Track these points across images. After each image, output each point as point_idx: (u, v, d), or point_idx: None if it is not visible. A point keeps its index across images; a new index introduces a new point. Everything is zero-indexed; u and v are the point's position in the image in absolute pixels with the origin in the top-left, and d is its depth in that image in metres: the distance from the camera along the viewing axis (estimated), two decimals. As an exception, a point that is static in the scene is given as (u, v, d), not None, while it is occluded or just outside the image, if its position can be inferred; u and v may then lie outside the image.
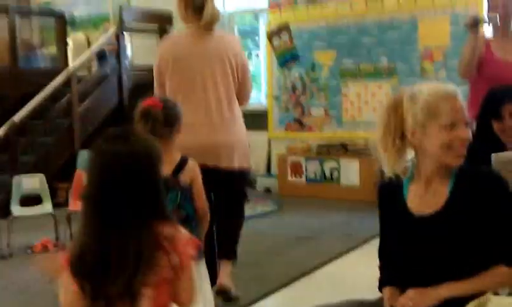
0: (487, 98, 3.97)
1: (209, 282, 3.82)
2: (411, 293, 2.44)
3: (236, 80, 4.64)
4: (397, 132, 2.55)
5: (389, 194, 2.67)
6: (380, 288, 2.70)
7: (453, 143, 2.42)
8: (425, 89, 2.49)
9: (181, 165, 3.56)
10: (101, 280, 1.99)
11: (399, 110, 2.54)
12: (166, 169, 3.22)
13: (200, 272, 3.47)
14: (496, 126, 3.79)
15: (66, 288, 2.05)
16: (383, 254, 2.77)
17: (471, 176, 2.49)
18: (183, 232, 2.16)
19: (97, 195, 2.03)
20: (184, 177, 3.55)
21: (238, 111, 4.71)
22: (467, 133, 2.45)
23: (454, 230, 2.43)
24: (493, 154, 3.33)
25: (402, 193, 2.61)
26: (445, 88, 2.47)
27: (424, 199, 2.54)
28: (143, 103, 3.54)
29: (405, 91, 2.56)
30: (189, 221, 3.50)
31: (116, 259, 1.99)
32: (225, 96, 4.57)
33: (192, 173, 3.62)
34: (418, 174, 2.58)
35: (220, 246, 4.61)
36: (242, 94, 4.75)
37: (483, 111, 3.89)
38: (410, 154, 2.60)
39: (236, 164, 4.59)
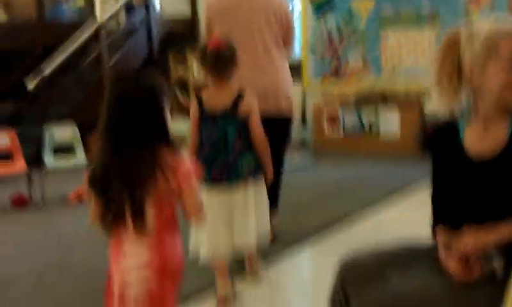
0: None
1: (268, 207, 4.03)
2: (468, 231, 2.31)
3: (281, 28, 4.82)
4: (454, 70, 2.41)
5: (444, 137, 2.55)
6: (432, 231, 2.59)
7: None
8: (485, 26, 2.34)
9: (239, 97, 3.78)
10: (111, 191, 2.40)
11: (456, 48, 2.40)
12: (226, 102, 3.73)
13: (260, 193, 3.92)
14: None
15: (90, 200, 2.46)
16: (436, 199, 2.64)
17: None
18: (185, 159, 2.48)
19: (109, 122, 2.42)
20: (242, 109, 3.77)
21: (284, 58, 4.86)
22: None
23: None
24: None
25: (458, 136, 2.49)
26: (507, 26, 2.33)
27: (482, 141, 2.40)
28: (210, 45, 3.81)
29: (463, 28, 2.42)
30: (249, 150, 3.83)
31: (122, 174, 2.39)
32: (271, 43, 4.75)
33: (249, 105, 3.81)
34: (476, 116, 2.44)
35: None
36: (287, 42, 4.92)
37: None
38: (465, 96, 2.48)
39: (283, 108, 4.66)
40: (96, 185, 2.43)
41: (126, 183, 2.39)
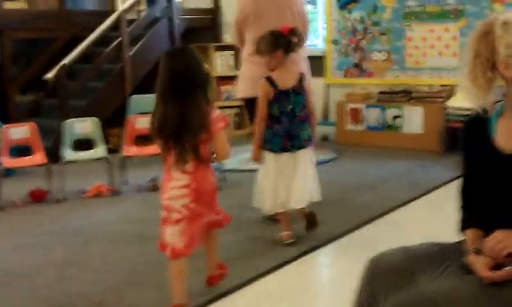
0: None
1: (315, 170, 4.99)
2: (499, 235, 2.27)
3: (299, 21, 5.65)
4: (488, 61, 2.36)
5: (476, 130, 2.51)
6: (461, 230, 2.56)
7: None
8: None
9: (302, 77, 4.89)
10: (169, 137, 3.55)
11: (490, 38, 2.35)
12: (294, 80, 4.81)
13: (313, 159, 4.95)
14: None
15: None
16: (465, 193, 2.61)
17: None
18: (217, 112, 3.66)
19: (168, 86, 3.53)
20: (305, 86, 4.90)
21: (304, 50, 5.69)
22: None
23: None
24: None
25: (489, 129, 2.45)
26: None
27: None
28: (285, 31, 4.80)
29: (497, 17, 2.36)
30: (306, 121, 4.86)
31: (179, 124, 3.49)
32: None
33: (309, 83, 5.06)
34: (510, 109, 2.40)
35: None
36: (304, 33, 5.64)
37: None
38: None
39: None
40: (156, 133, 3.59)
41: (181, 130, 3.49)
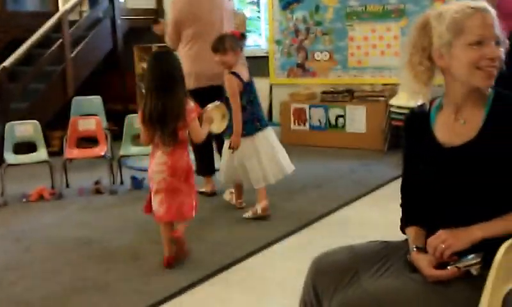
0: None
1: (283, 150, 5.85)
2: (443, 234, 2.27)
3: (229, 22, 6.51)
4: (425, 52, 2.41)
5: (416, 125, 2.54)
6: (403, 228, 2.58)
7: (480, 62, 2.27)
8: (453, 6, 2.34)
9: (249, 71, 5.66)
10: (155, 123, 4.36)
11: (427, 30, 2.40)
12: (247, 73, 5.57)
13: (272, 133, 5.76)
14: None
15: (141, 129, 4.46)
16: (406, 190, 2.62)
17: (508, 103, 2.33)
18: (191, 104, 4.50)
19: (155, 83, 4.37)
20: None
21: None
22: (497, 51, 2.29)
23: (489, 161, 2.26)
24: None
25: (429, 124, 2.47)
26: (475, 4, 2.32)
27: (454, 128, 2.39)
28: (234, 33, 5.68)
29: (433, 10, 2.42)
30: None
31: (163, 113, 4.31)
32: None
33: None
34: (448, 101, 2.44)
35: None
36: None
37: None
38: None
39: None
40: (147, 121, 4.36)
41: (164, 118, 4.32)
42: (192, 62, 6.20)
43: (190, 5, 6.29)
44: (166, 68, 4.40)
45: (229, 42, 5.45)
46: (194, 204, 4.54)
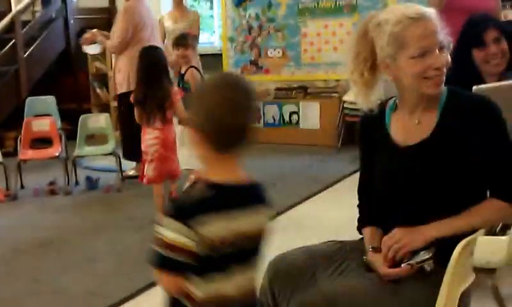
0: (466, 26, 3.79)
1: None
2: (398, 233, 2.29)
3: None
4: (367, 62, 2.41)
5: (371, 127, 2.54)
6: (359, 229, 2.58)
7: (427, 72, 2.26)
8: (392, 17, 2.30)
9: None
10: (146, 105, 5.26)
11: (367, 39, 2.39)
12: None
13: None
14: (477, 54, 3.65)
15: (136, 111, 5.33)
16: (363, 191, 2.63)
17: (462, 101, 2.35)
18: (175, 89, 5.55)
19: (146, 73, 5.30)
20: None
21: None
22: (441, 59, 2.28)
23: (443, 159, 2.29)
24: (474, 87, 3.16)
25: (384, 124, 2.47)
26: (414, 12, 2.28)
27: (409, 128, 2.39)
28: (190, 33, 6.86)
29: (373, 17, 2.40)
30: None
31: (152, 97, 5.26)
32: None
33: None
34: (402, 104, 2.44)
35: None
36: None
37: (462, 41, 3.67)
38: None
39: None
40: (139, 103, 5.26)
41: (156, 100, 5.23)
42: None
43: (141, 13, 6.96)
44: (153, 60, 5.37)
45: (190, 39, 6.39)
46: (179, 168, 5.51)
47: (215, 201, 1.82)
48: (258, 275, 2.01)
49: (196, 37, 6.60)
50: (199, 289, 1.83)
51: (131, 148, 6.58)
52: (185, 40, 6.35)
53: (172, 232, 1.76)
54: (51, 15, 9.84)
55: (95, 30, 7.41)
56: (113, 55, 8.02)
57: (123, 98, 6.71)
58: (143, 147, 5.38)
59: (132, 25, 6.86)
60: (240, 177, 1.94)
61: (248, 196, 1.93)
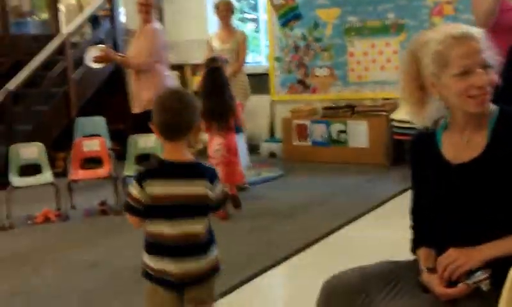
0: None
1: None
2: (453, 253, 2.27)
3: None
4: (416, 81, 2.42)
5: (422, 146, 2.52)
6: (413, 250, 2.56)
7: (469, 91, 2.26)
8: (436, 36, 2.33)
9: None
10: (213, 118, 6.19)
11: (415, 59, 2.41)
12: None
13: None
14: None
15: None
16: (416, 212, 2.60)
17: None
18: (238, 101, 6.80)
19: (210, 89, 6.36)
20: None
21: None
22: (484, 78, 2.26)
23: (495, 178, 2.26)
24: None
25: (435, 143, 2.46)
26: (458, 31, 2.30)
27: (460, 146, 2.38)
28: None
29: (420, 36, 2.43)
30: None
31: (218, 110, 6.26)
32: None
33: None
34: (453, 121, 2.43)
35: None
36: None
37: (511, 60, 3.62)
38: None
39: None
40: (208, 115, 5.97)
41: (221, 111, 6.12)
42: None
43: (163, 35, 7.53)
44: (217, 79, 6.35)
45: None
46: (243, 172, 6.54)
47: (157, 171, 2.82)
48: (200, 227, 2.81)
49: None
50: (148, 226, 2.86)
51: None
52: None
53: (134, 189, 2.78)
54: (100, 37, 9.97)
55: (103, 47, 7.58)
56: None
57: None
58: (210, 153, 6.29)
59: (161, 45, 7.30)
60: (184, 158, 2.85)
61: (186, 171, 2.84)
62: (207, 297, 2.97)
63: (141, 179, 2.78)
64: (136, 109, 7.23)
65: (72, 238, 5.97)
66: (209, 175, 2.87)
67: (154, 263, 2.88)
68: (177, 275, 2.82)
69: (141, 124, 7.03)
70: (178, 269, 2.81)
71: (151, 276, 2.91)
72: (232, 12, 8.16)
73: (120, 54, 7.59)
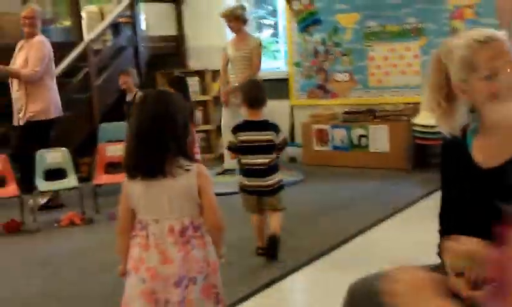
0: None
1: None
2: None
3: None
4: (443, 90, 2.42)
5: (453, 151, 2.51)
6: (440, 254, 2.51)
7: (499, 92, 2.26)
8: (461, 42, 2.33)
9: None
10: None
11: (441, 67, 2.42)
12: None
13: None
14: None
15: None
16: (445, 217, 2.59)
17: None
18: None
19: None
20: None
21: None
22: None
23: None
24: None
25: (466, 147, 2.45)
26: (482, 35, 2.31)
27: (491, 150, 2.36)
28: None
29: (444, 45, 2.43)
30: None
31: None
32: None
33: None
34: (483, 125, 2.42)
35: None
36: None
37: None
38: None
39: None
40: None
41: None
42: None
43: None
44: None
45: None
46: None
47: (243, 126, 4.92)
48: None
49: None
50: (241, 159, 5.05)
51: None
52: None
53: (230, 137, 5.03)
54: (121, 44, 10.08)
55: None
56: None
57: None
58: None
59: (48, 56, 7.48)
60: (258, 118, 4.78)
61: (260, 126, 4.80)
62: (277, 204, 5.01)
63: (234, 131, 5.01)
64: (21, 121, 7.38)
65: (96, 241, 6.04)
66: (274, 128, 5.02)
67: (245, 180, 5.02)
68: (255, 187, 4.98)
69: (30, 136, 7.28)
70: (256, 183, 4.97)
71: (244, 189, 5.06)
72: (240, 19, 8.22)
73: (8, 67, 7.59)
